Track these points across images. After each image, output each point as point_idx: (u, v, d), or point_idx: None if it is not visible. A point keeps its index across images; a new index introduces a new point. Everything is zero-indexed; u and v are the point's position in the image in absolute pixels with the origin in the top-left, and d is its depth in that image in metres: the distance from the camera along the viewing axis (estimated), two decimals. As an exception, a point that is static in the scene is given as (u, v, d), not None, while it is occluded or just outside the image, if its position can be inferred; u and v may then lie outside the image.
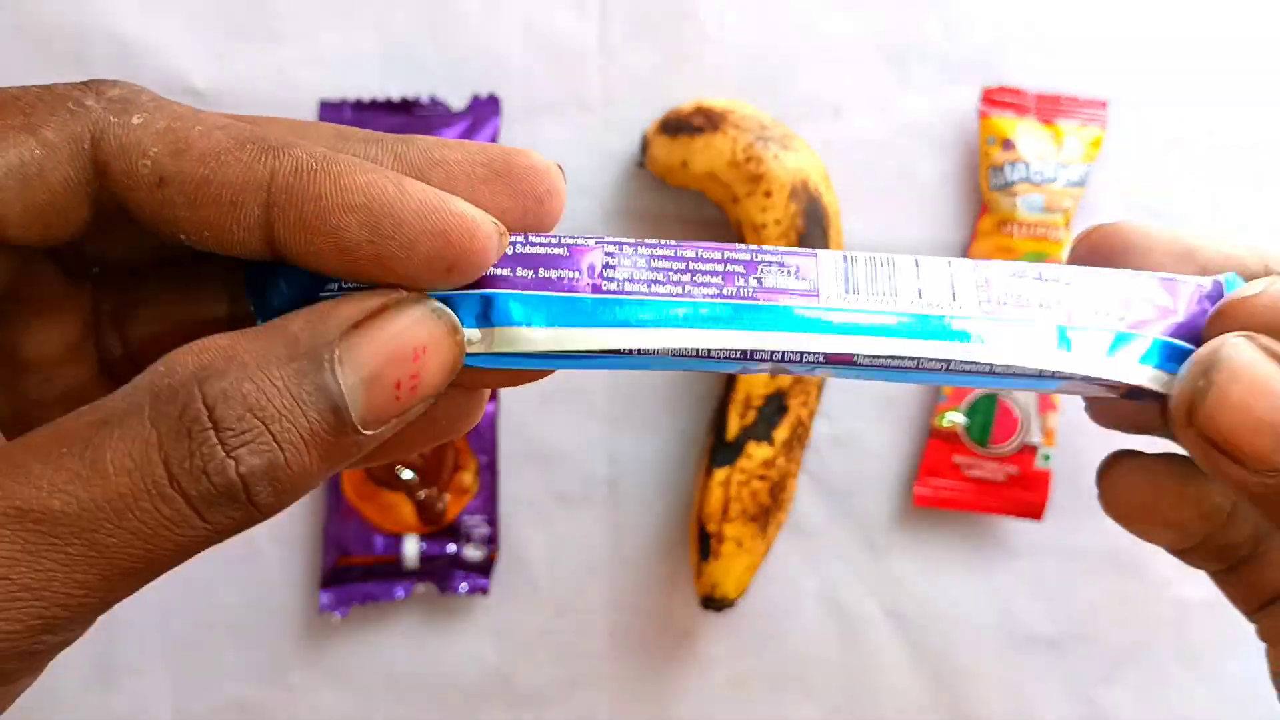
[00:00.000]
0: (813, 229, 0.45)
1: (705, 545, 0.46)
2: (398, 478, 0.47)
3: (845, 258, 0.21)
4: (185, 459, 0.16)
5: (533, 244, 0.20)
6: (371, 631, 0.49)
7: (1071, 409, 0.48)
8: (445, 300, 0.19)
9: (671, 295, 0.20)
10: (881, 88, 0.49)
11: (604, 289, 0.20)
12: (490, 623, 0.49)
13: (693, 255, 0.20)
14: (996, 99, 0.48)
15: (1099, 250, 0.22)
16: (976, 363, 0.20)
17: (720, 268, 0.20)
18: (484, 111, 0.47)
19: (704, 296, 0.20)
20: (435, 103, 0.47)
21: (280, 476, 0.16)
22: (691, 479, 0.49)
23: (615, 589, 0.50)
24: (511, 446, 0.49)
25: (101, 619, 0.46)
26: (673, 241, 0.21)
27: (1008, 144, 0.47)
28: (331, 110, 0.47)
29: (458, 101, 0.48)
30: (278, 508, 0.17)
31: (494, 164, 0.19)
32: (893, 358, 0.20)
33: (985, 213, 0.48)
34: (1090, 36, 0.49)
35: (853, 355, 0.20)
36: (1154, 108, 0.49)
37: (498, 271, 0.19)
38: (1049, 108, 0.48)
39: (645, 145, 0.46)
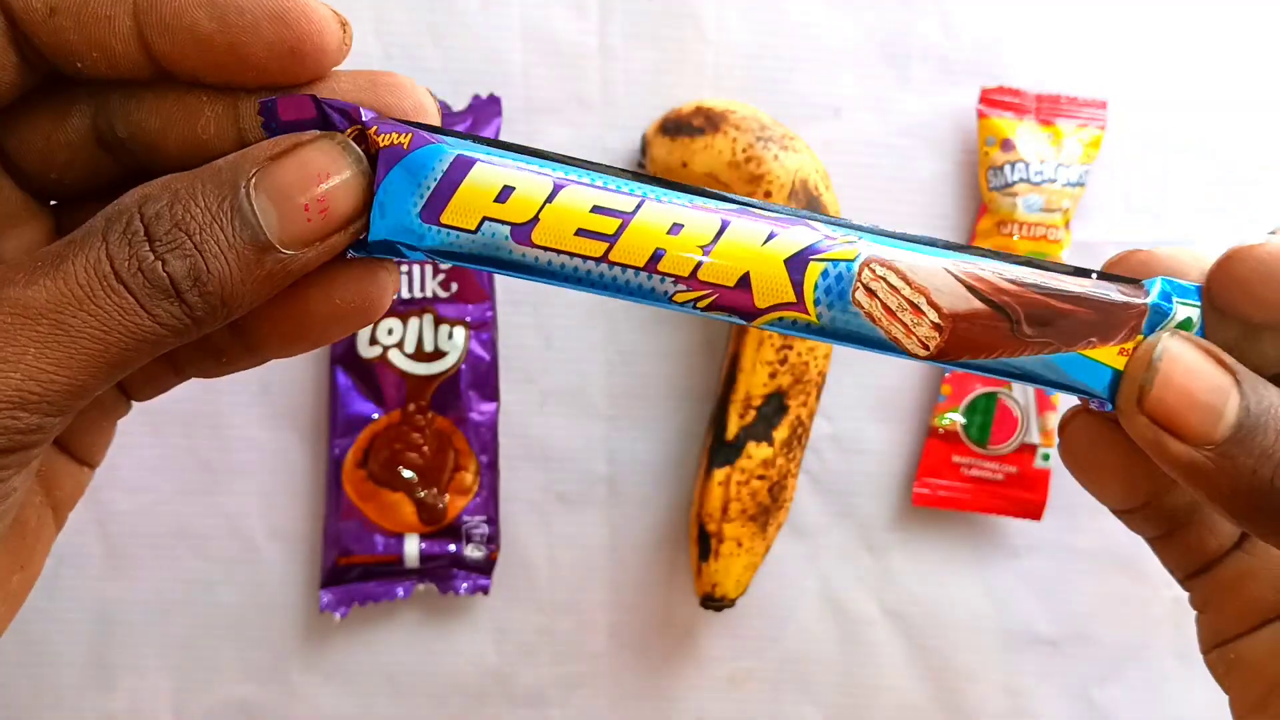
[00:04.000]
0: (812, 229, 0.45)
1: (705, 545, 0.46)
2: (399, 477, 0.47)
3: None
4: (125, 260, 0.19)
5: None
6: (371, 631, 0.49)
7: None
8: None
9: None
10: (881, 88, 0.49)
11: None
12: (490, 623, 0.50)
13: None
14: (996, 99, 0.48)
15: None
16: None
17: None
18: (484, 111, 0.47)
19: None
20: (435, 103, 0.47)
21: (202, 278, 0.19)
22: (691, 478, 0.49)
23: (615, 589, 0.50)
24: (511, 446, 0.49)
25: (101, 619, 0.46)
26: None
27: (1007, 144, 0.48)
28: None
29: (458, 102, 0.48)
30: (209, 311, 0.20)
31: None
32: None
33: (984, 213, 0.48)
34: (1090, 36, 0.49)
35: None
36: (1154, 108, 0.49)
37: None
38: (1048, 108, 0.48)
39: (645, 146, 0.46)
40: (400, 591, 0.48)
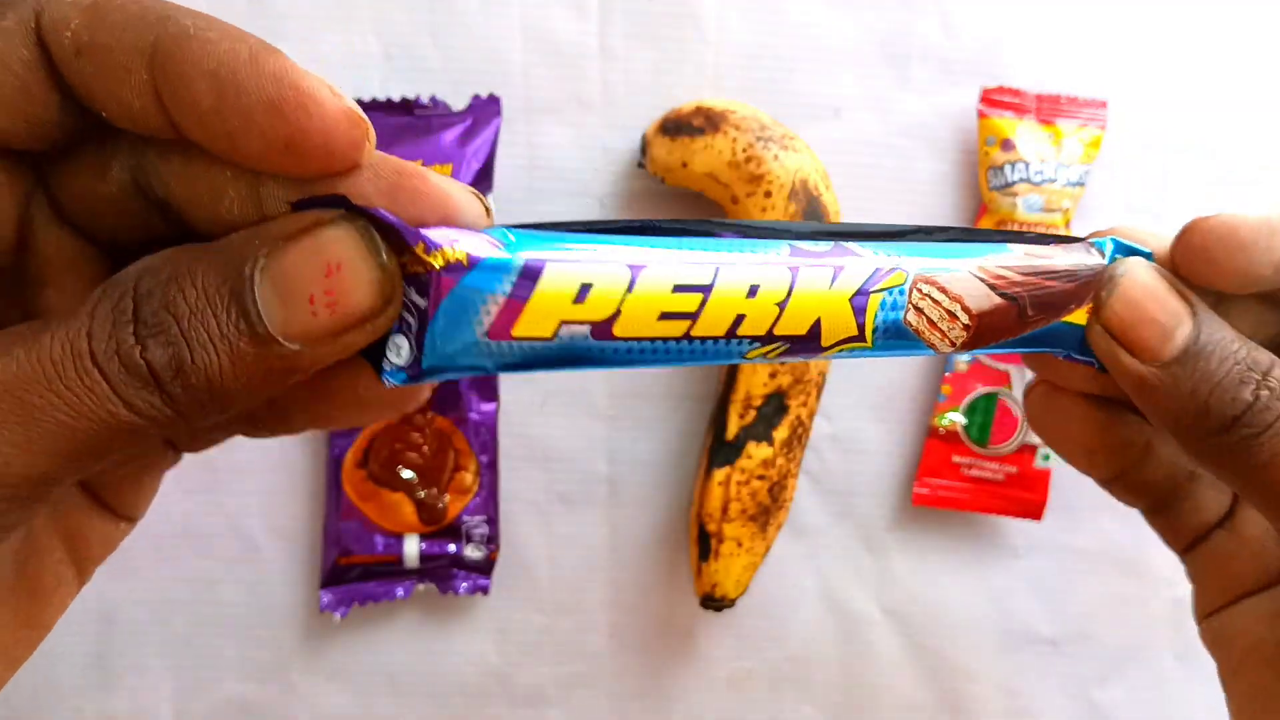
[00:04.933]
0: (812, 229, 0.45)
1: (705, 545, 0.46)
2: (399, 477, 0.47)
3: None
4: (104, 341, 0.17)
5: None
6: (371, 631, 0.49)
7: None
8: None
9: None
10: (881, 88, 0.49)
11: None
12: (490, 623, 0.50)
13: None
14: (996, 99, 0.48)
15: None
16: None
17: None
18: (484, 112, 0.47)
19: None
20: (435, 103, 0.47)
21: (185, 369, 0.17)
22: (691, 478, 0.49)
23: (615, 588, 0.50)
24: (512, 446, 0.49)
25: (102, 618, 0.46)
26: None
27: (1007, 144, 0.48)
28: (332, 110, 0.47)
29: (458, 102, 0.48)
30: (195, 404, 0.17)
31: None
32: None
33: (984, 213, 0.48)
34: (1090, 36, 0.49)
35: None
36: (1154, 108, 0.49)
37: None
38: (1049, 108, 0.48)
39: (645, 146, 0.46)
40: (400, 591, 0.48)
